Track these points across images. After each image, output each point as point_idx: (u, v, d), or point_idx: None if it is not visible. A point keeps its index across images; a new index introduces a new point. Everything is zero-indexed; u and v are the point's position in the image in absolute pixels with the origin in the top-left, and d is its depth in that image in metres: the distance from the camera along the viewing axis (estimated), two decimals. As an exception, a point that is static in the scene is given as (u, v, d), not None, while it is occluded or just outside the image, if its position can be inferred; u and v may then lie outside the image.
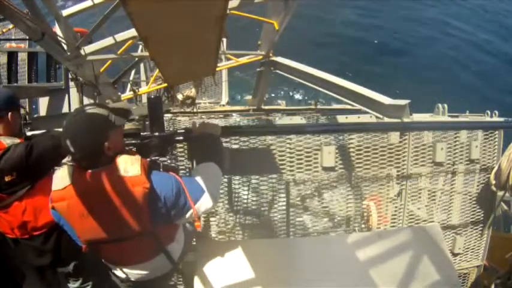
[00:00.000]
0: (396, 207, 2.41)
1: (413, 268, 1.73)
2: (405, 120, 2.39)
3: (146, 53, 3.16)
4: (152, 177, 1.25)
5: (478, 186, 2.49)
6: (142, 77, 7.37)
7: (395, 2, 14.30)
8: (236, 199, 2.36)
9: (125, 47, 2.93)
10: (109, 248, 1.37)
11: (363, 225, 2.45)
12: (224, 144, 2.07)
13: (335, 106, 5.35)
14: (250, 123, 5.07)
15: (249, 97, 5.54)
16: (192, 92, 4.63)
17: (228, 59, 4.52)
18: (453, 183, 2.46)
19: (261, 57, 4.10)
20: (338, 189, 2.38)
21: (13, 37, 5.09)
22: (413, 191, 2.42)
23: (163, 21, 1.03)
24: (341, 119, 2.35)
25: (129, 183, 1.20)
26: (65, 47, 2.58)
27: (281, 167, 2.25)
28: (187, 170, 2.04)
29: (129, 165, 1.22)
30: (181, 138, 1.87)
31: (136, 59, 3.98)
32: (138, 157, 1.27)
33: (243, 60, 4.16)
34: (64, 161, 1.77)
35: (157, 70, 3.53)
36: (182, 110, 5.03)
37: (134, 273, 1.46)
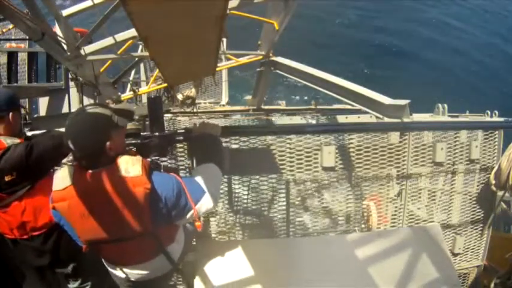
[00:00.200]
0: (396, 207, 2.41)
1: (413, 268, 1.73)
2: (405, 120, 2.39)
3: (146, 53, 3.16)
4: (153, 178, 1.25)
5: (478, 186, 2.49)
6: (142, 77, 7.38)
7: (396, 2, 14.29)
8: (236, 199, 2.36)
9: (125, 47, 2.93)
10: (109, 248, 1.37)
11: (363, 225, 2.45)
12: (224, 144, 2.07)
13: (335, 106, 5.34)
14: (250, 123, 5.07)
15: (249, 97, 5.54)
16: (192, 92, 4.63)
17: (228, 59, 4.52)
18: (453, 183, 2.46)
19: (261, 57, 4.10)
20: (338, 189, 2.38)
21: (13, 37, 5.09)
22: (413, 191, 2.42)
23: (163, 21, 1.03)
24: (341, 119, 2.35)
25: (130, 183, 1.20)
26: (65, 47, 2.58)
27: (281, 167, 2.25)
28: (187, 170, 2.04)
29: (130, 166, 1.22)
30: (181, 138, 1.87)
31: (136, 59, 3.99)
32: (139, 158, 1.28)
33: (243, 60, 4.16)
34: (64, 161, 1.78)
35: (157, 70, 3.53)
36: (182, 110, 5.02)
37: (134, 273, 1.46)
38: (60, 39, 2.47)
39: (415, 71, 11.56)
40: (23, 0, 1.97)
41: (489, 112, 2.50)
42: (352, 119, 2.33)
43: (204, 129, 1.65)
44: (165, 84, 3.96)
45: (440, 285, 1.70)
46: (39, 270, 1.87)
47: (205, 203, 1.35)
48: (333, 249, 1.84)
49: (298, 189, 2.37)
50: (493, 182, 2.30)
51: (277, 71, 4.21)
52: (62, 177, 1.24)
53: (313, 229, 2.44)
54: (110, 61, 3.21)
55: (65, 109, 4.53)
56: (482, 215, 2.53)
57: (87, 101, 3.59)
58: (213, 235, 2.35)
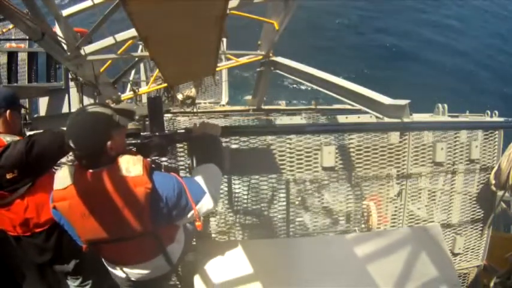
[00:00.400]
0: (396, 207, 2.41)
1: (413, 268, 1.73)
2: (405, 120, 2.39)
3: (146, 53, 3.17)
4: (154, 178, 1.25)
5: (478, 186, 2.49)
6: (142, 77, 7.38)
7: (396, 2, 14.30)
8: (236, 199, 2.36)
9: (125, 47, 2.94)
10: (109, 247, 1.37)
11: (363, 225, 2.45)
12: (224, 144, 2.07)
13: (335, 106, 5.34)
14: (250, 123, 5.07)
15: (249, 97, 5.54)
16: (192, 92, 4.64)
17: (228, 59, 4.53)
18: (453, 183, 2.46)
19: (261, 57, 4.10)
20: (338, 189, 2.38)
21: (13, 37, 5.09)
22: (413, 191, 2.42)
23: (163, 21, 1.03)
24: (341, 119, 2.35)
25: (131, 183, 1.20)
26: (65, 47, 2.58)
27: (281, 167, 2.25)
28: (187, 169, 2.04)
29: (131, 166, 1.22)
30: (181, 138, 1.87)
31: (136, 59, 3.99)
32: (140, 157, 1.28)
33: (243, 60, 4.17)
34: (64, 160, 1.78)
35: (157, 70, 3.53)
36: (182, 110, 5.03)
37: (134, 272, 1.47)
38: (60, 39, 2.47)
39: (415, 71, 11.57)
40: (23, 0, 1.97)
41: (489, 112, 2.50)
42: (352, 119, 2.33)
43: (204, 129, 1.66)
44: (165, 84, 3.96)
45: (440, 285, 1.70)
46: (40, 269, 1.87)
47: (206, 203, 1.36)
48: (333, 249, 1.84)
49: (298, 189, 2.37)
50: (493, 182, 2.30)
51: (277, 71, 4.21)
52: (62, 177, 1.24)
53: (313, 229, 2.44)
54: (110, 61, 3.22)
55: (65, 109, 4.54)
56: (482, 215, 2.53)
57: (87, 101, 3.59)
58: (213, 235, 2.35)
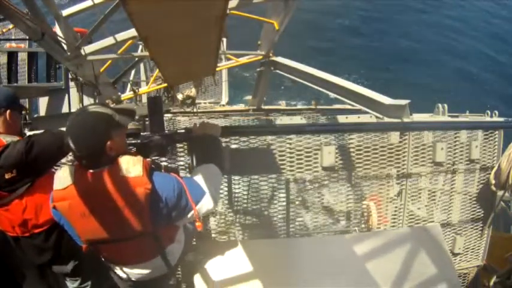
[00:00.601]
0: (396, 207, 2.41)
1: (413, 268, 1.73)
2: (405, 120, 2.39)
3: (146, 53, 3.17)
4: (154, 178, 1.25)
5: (478, 186, 2.49)
6: (142, 77, 7.39)
7: (396, 2, 14.30)
8: (236, 199, 2.36)
9: (125, 47, 2.94)
10: (109, 247, 1.37)
11: (363, 225, 2.45)
12: (224, 144, 2.07)
13: (335, 106, 5.34)
14: (250, 123, 5.07)
15: (249, 97, 5.54)
16: (192, 92, 4.64)
17: (228, 59, 4.53)
18: (453, 183, 2.46)
19: (261, 57, 4.10)
20: (338, 189, 2.38)
21: (13, 37, 5.09)
22: (413, 191, 2.42)
23: (163, 21, 1.03)
24: (341, 119, 2.35)
25: (131, 183, 1.20)
26: (65, 47, 2.58)
27: (281, 167, 2.25)
28: (187, 169, 2.04)
29: (131, 166, 1.22)
30: (181, 138, 1.87)
31: (136, 59, 3.99)
32: (140, 158, 1.27)
33: (243, 60, 4.17)
34: (64, 160, 1.78)
35: (157, 70, 3.54)
36: (182, 110, 5.03)
37: (135, 272, 1.46)
38: (60, 39, 2.47)
39: (415, 71, 11.57)
40: (23, 0, 1.98)
41: (489, 112, 2.50)
42: (352, 119, 2.33)
43: (204, 130, 1.65)
44: (165, 84, 3.96)
45: (440, 285, 1.70)
46: (40, 269, 1.87)
47: (206, 204, 1.36)
48: (333, 249, 1.84)
49: (298, 189, 2.37)
50: (493, 181, 2.31)
51: (277, 71, 4.21)
52: (62, 177, 1.24)
53: (313, 229, 2.44)
54: (110, 61, 3.22)
55: (65, 109, 4.54)
56: (482, 215, 2.53)
57: (87, 101, 3.59)
58: (213, 235, 2.35)
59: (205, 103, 6.71)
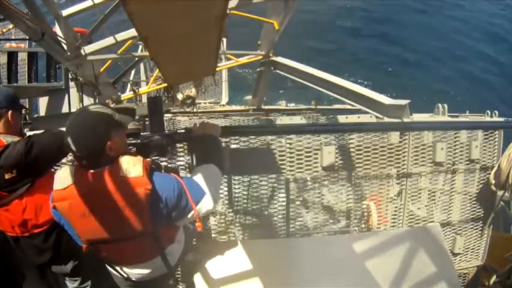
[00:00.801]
0: (396, 207, 2.41)
1: (413, 268, 1.74)
2: (405, 120, 2.39)
3: (146, 53, 3.17)
4: (154, 179, 1.25)
5: (477, 186, 2.49)
6: (142, 77, 7.39)
7: (396, 2, 14.30)
8: (236, 199, 2.36)
9: (125, 47, 2.94)
10: (109, 247, 1.37)
11: (363, 225, 2.45)
12: (224, 144, 2.07)
13: (335, 106, 5.34)
14: (250, 123, 5.07)
15: (249, 97, 5.54)
16: (192, 91, 4.64)
17: (228, 59, 4.53)
18: (453, 183, 2.46)
19: (261, 57, 4.10)
20: (338, 189, 2.38)
21: (13, 37, 5.09)
22: (413, 191, 2.42)
23: (163, 21, 1.03)
24: (341, 119, 2.35)
25: (131, 184, 1.20)
26: (65, 47, 2.58)
27: (281, 167, 2.25)
28: (187, 170, 2.04)
29: (131, 166, 1.22)
30: (181, 138, 1.87)
31: (136, 59, 3.99)
32: (140, 158, 1.27)
33: (243, 60, 4.17)
34: (64, 160, 1.78)
35: (157, 70, 3.54)
36: (182, 110, 5.03)
37: (135, 272, 1.47)
38: (60, 39, 2.47)
39: (415, 71, 11.57)
40: (23, 0, 1.98)
41: (489, 112, 2.50)
42: (352, 119, 2.33)
43: (204, 130, 1.65)
44: (165, 84, 3.96)
45: (440, 285, 1.70)
46: (40, 269, 1.87)
47: (206, 204, 1.36)
48: (333, 249, 1.84)
49: (298, 189, 2.37)
50: (493, 181, 2.31)
51: (277, 71, 4.21)
52: (62, 177, 1.24)
53: (313, 229, 2.44)
54: (110, 61, 3.22)
55: (65, 109, 4.54)
56: (482, 214, 2.53)
57: (87, 101, 3.60)
58: (213, 235, 2.35)
59: (205, 103, 6.71)
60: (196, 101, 5.05)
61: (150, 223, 1.26)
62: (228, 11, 1.41)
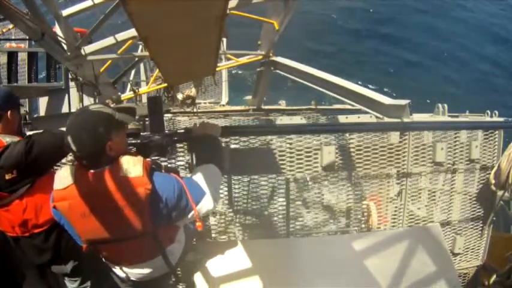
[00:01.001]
0: (396, 207, 2.41)
1: (413, 268, 1.74)
2: (405, 120, 2.39)
3: (146, 53, 3.17)
4: (154, 179, 1.25)
5: (477, 186, 2.49)
6: (142, 77, 7.38)
7: (396, 2, 14.30)
8: (236, 199, 2.36)
9: (125, 47, 2.94)
10: (109, 247, 1.38)
11: (363, 225, 2.45)
12: (224, 144, 2.07)
13: (335, 106, 5.34)
14: (250, 123, 5.07)
15: (249, 97, 5.54)
16: (192, 91, 4.63)
17: (228, 59, 4.53)
18: (453, 183, 2.46)
19: (261, 57, 4.10)
20: (338, 189, 2.38)
21: (13, 37, 5.09)
22: (413, 191, 2.42)
23: (163, 21, 1.03)
24: (341, 119, 2.35)
25: (131, 184, 1.20)
26: (65, 47, 2.58)
27: (281, 166, 2.25)
28: (187, 170, 2.04)
29: (131, 166, 1.22)
30: (181, 138, 1.87)
31: (136, 59, 3.99)
32: (140, 158, 1.28)
33: (243, 60, 4.17)
34: (64, 160, 1.78)
35: (157, 70, 3.54)
36: (182, 110, 5.03)
37: (135, 272, 1.47)
38: (60, 39, 2.47)
39: (416, 71, 11.57)
40: (23, 0, 1.98)
41: (489, 112, 2.50)
42: (352, 119, 2.33)
43: (204, 130, 1.65)
44: (165, 84, 3.96)
45: (440, 285, 1.70)
46: (40, 269, 1.87)
47: (206, 204, 1.36)
48: (332, 250, 1.84)
49: (298, 189, 2.37)
50: (493, 181, 2.31)
51: (277, 71, 4.21)
52: (63, 177, 1.24)
53: (313, 229, 2.44)
54: (109, 61, 3.22)
55: (65, 109, 4.55)
56: (482, 214, 2.53)
57: (87, 101, 3.60)
58: (213, 235, 2.35)
59: (205, 103, 6.70)
60: (196, 101, 5.05)
61: (150, 223, 1.26)
62: (228, 11, 1.41)
